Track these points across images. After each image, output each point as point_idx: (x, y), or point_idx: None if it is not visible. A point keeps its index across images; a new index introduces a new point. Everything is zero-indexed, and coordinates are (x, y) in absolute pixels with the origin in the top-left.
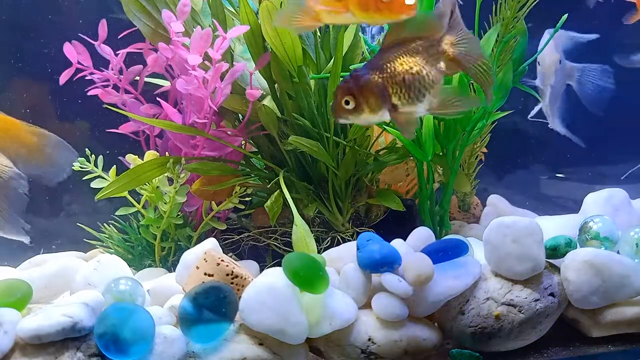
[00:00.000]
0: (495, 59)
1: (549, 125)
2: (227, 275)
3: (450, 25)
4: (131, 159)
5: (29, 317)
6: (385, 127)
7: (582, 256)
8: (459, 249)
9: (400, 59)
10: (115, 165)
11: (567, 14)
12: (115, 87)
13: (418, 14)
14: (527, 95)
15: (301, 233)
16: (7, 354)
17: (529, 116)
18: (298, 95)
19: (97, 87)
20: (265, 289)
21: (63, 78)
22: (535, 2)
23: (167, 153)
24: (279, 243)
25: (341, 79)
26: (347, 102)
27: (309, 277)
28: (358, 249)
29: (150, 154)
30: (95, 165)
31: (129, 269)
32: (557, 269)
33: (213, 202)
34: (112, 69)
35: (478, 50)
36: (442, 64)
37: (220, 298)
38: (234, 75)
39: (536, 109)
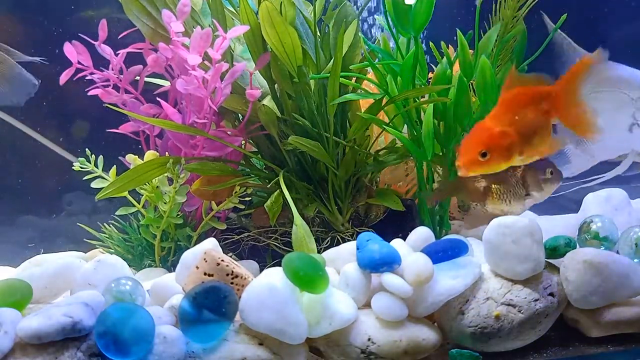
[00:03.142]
0: (495, 58)
1: None
2: (227, 275)
3: None
4: (131, 159)
5: (29, 317)
6: (385, 127)
7: (581, 256)
8: (458, 249)
9: None
10: (115, 165)
11: (566, 14)
12: (116, 87)
13: None
14: None
15: (301, 233)
16: (7, 354)
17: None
18: (298, 95)
19: (97, 87)
20: (265, 289)
21: (63, 78)
22: (534, 3)
23: (167, 153)
24: (279, 243)
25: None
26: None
27: (309, 277)
28: (358, 248)
29: (150, 154)
30: (96, 165)
31: (129, 269)
32: (556, 269)
33: (213, 202)
34: (112, 69)
35: None
36: None
37: (220, 298)
38: (234, 75)
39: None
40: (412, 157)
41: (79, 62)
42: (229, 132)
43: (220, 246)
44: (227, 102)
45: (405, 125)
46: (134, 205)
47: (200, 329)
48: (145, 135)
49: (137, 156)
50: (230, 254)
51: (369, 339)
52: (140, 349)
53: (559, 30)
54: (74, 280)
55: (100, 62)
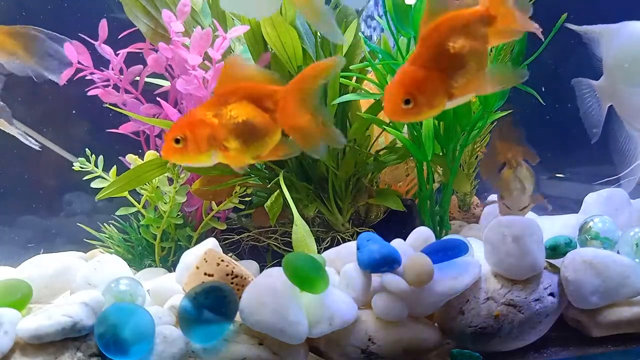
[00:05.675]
0: (494, 59)
1: None
2: (227, 275)
3: None
4: (131, 159)
5: (29, 317)
6: (385, 127)
7: (582, 256)
8: (458, 249)
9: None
10: (115, 165)
11: (566, 13)
12: (116, 87)
13: None
14: (526, 94)
15: (301, 233)
16: (7, 354)
17: None
18: None
19: (97, 87)
20: (265, 289)
21: (63, 78)
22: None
23: None
24: (279, 243)
25: (341, 79)
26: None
27: (309, 277)
28: (358, 249)
29: (150, 154)
30: (96, 165)
31: (129, 269)
32: (557, 269)
33: (213, 202)
34: (113, 69)
35: None
36: None
37: (220, 298)
38: None
39: None
40: (412, 157)
41: (79, 62)
42: None
43: (220, 246)
44: None
45: (405, 126)
46: (134, 206)
47: (201, 329)
48: (145, 135)
49: (137, 156)
50: (230, 254)
51: (369, 339)
52: (140, 348)
53: (573, 26)
54: (74, 280)
55: (101, 62)
